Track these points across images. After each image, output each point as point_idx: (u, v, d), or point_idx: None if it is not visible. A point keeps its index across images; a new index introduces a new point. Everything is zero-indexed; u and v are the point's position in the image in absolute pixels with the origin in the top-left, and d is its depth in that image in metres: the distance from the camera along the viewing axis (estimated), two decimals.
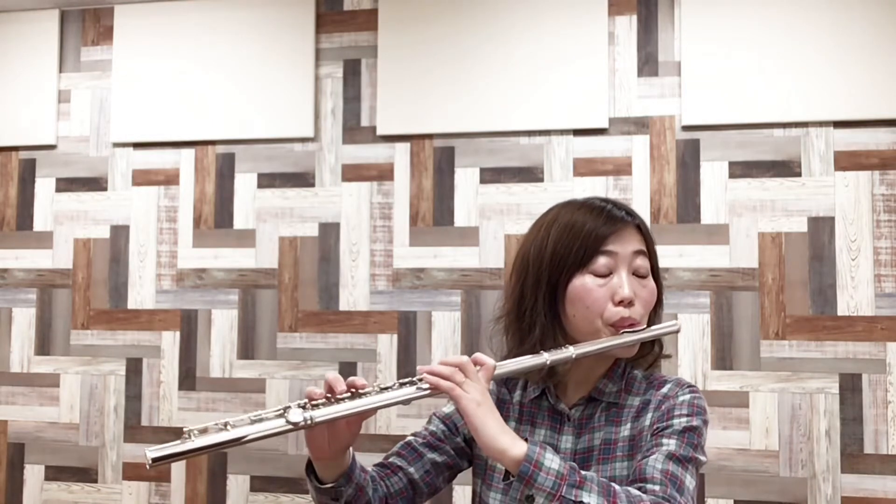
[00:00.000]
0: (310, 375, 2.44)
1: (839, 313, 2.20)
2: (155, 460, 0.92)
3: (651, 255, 1.21)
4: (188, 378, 2.51)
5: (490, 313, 2.36)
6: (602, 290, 1.15)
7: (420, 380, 1.06)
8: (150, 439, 2.51)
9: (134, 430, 2.53)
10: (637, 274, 1.17)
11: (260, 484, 2.45)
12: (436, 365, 1.06)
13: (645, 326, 1.17)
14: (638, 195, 2.32)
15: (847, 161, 2.23)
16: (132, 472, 2.52)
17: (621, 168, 2.34)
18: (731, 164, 2.29)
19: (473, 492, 1.29)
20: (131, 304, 2.57)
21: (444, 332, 2.39)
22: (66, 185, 2.64)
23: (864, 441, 2.16)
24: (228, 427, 0.95)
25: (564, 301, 1.17)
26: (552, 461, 0.99)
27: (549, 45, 2.38)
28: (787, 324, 2.23)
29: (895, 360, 2.17)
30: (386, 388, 1.04)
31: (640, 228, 1.21)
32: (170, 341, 2.54)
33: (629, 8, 2.37)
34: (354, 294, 2.45)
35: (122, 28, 2.63)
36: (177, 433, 2.49)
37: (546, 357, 1.10)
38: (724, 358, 2.24)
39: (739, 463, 2.21)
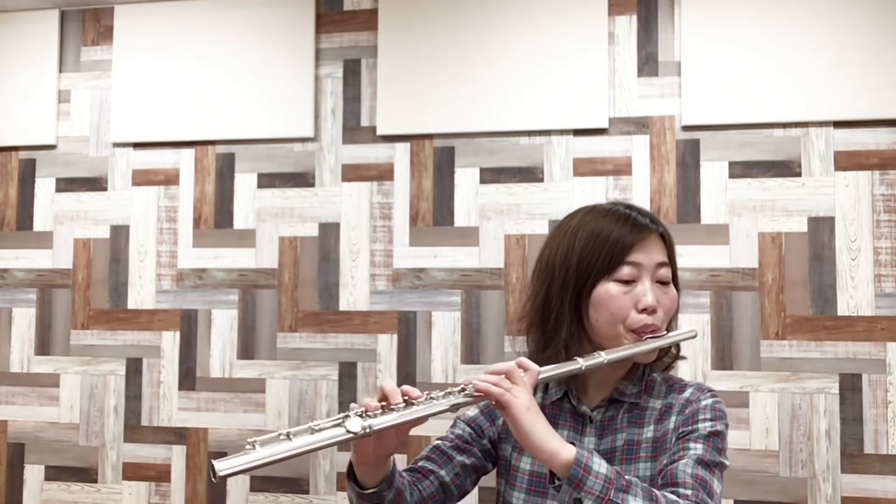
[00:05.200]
0: (310, 375, 2.44)
1: (839, 313, 2.20)
2: (222, 475, 0.92)
3: (672, 264, 1.24)
4: (188, 378, 2.51)
5: (489, 313, 2.36)
6: (626, 297, 1.18)
7: (465, 388, 1.09)
8: (150, 439, 2.51)
9: (134, 430, 2.53)
10: (659, 282, 1.21)
11: (260, 484, 2.45)
12: (482, 375, 1.08)
13: (665, 332, 1.21)
14: (638, 195, 2.32)
15: (847, 161, 2.23)
16: (132, 472, 2.52)
17: (621, 168, 2.34)
18: (731, 164, 2.28)
19: (497, 492, 1.32)
20: (131, 304, 2.57)
21: (443, 332, 2.39)
22: (66, 185, 2.64)
23: (864, 441, 2.16)
24: (291, 437, 0.97)
25: (588, 306, 1.20)
26: (600, 465, 1.02)
27: (549, 45, 2.38)
28: (787, 324, 2.23)
29: (895, 360, 2.17)
30: (434, 398, 1.08)
31: (664, 237, 1.24)
32: (170, 341, 2.54)
33: (629, 8, 2.37)
34: (354, 294, 2.45)
35: (122, 28, 2.63)
36: (177, 433, 2.50)
37: (581, 363, 1.14)
38: (724, 358, 2.24)
39: (739, 463, 2.21)
